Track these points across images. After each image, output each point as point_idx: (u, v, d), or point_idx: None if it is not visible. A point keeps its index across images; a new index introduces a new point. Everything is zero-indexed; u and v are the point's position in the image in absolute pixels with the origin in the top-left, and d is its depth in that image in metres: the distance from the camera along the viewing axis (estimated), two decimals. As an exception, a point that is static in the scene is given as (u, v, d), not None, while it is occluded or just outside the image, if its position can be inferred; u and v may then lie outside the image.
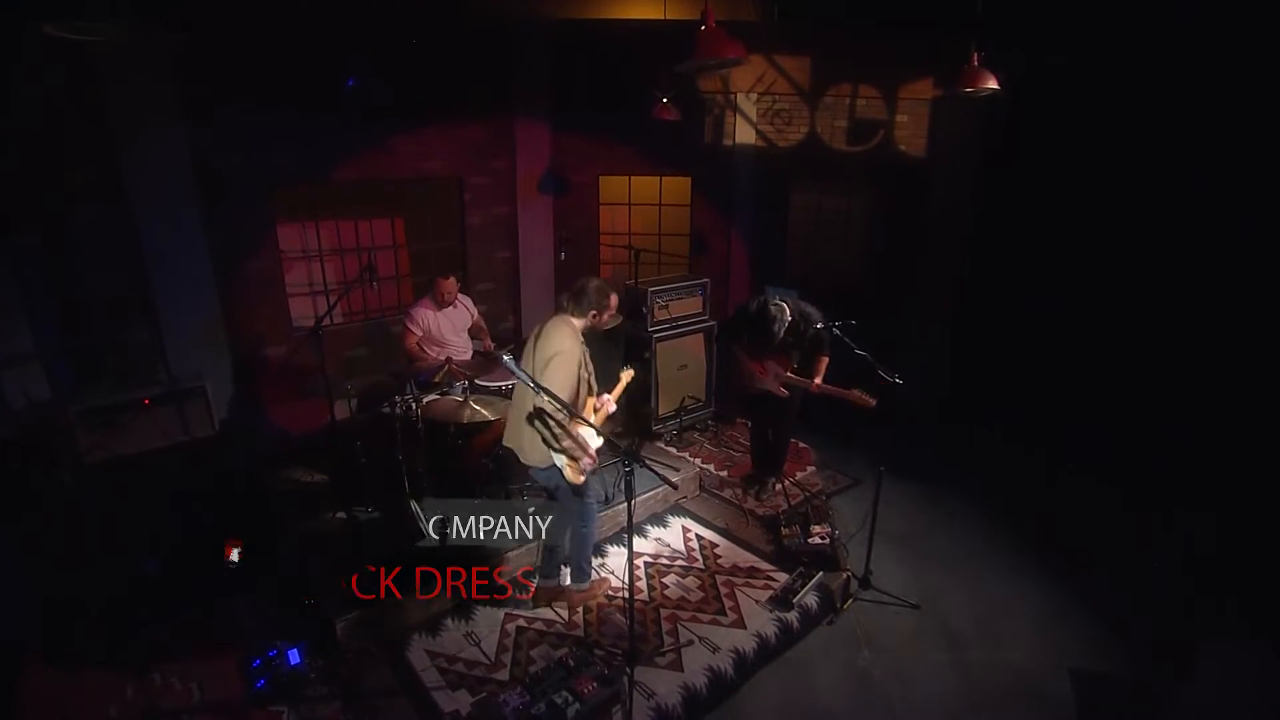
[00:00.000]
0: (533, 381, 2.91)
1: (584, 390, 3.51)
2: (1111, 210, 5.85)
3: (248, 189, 5.30)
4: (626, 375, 3.85)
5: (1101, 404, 5.97)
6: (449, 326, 5.04)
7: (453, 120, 6.19)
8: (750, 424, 5.36)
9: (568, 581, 3.95)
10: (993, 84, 3.65)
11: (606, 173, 7.12)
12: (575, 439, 3.37)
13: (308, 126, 5.37)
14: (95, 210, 4.64)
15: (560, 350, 3.33)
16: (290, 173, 5.47)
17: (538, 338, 3.48)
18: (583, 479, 3.48)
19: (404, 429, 4.13)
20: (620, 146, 6.93)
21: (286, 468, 5.13)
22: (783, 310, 4.33)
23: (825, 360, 4.51)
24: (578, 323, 3.47)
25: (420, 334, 4.87)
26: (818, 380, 4.45)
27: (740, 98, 6.80)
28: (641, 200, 7.28)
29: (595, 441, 3.45)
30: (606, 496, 4.67)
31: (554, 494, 3.69)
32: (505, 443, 3.62)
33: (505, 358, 2.75)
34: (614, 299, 3.52)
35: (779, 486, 5.09)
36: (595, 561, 4.33)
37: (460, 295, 5.13)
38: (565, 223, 7.03)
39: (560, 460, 3.40)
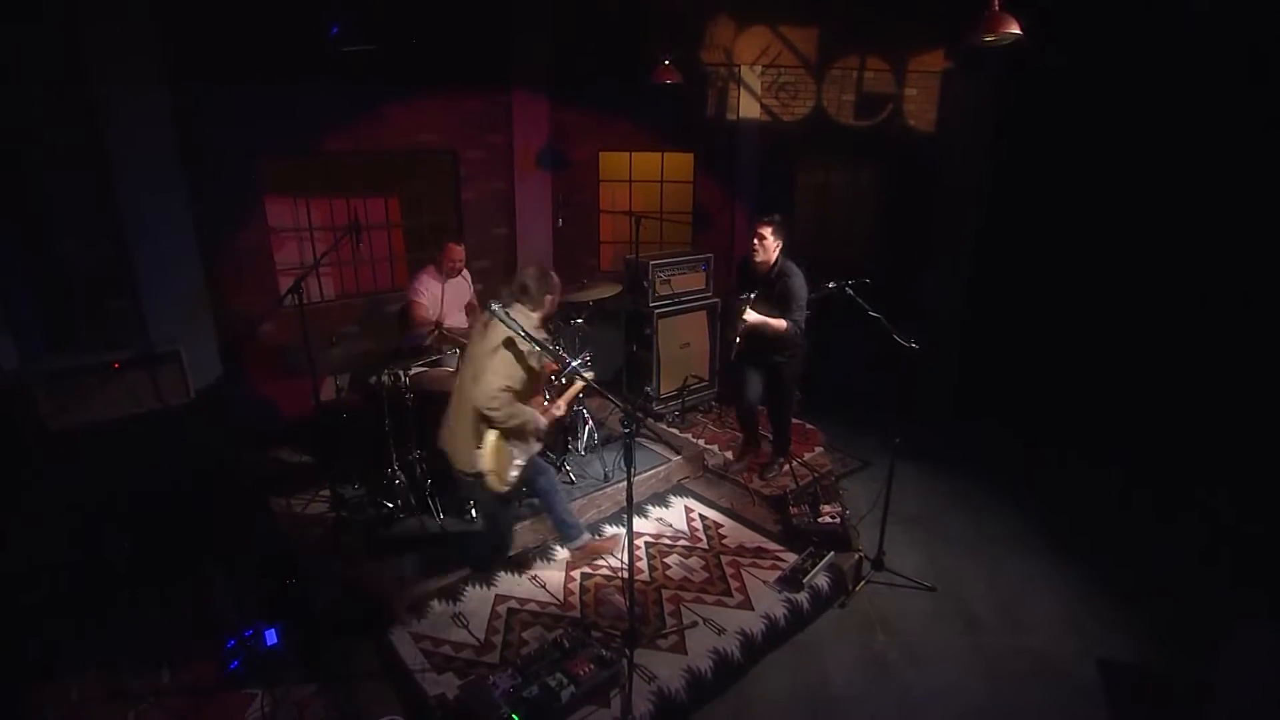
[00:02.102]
0: (523, 331, 2.68)
1: (529, 387, 3.37)
2: (1132, 189, 5.59)
3: (234, 157, 5.07)
4: (577, 386, 3.72)
5: (1115, 392, 5.74)
6: (450, 299, 4.77)
7: (447, 91, 5.96)
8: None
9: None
10: (1015, 29, 3.42)
11: (607, 148, 6.90)
12: (527, 425, 3.29)
13: (297, 92, 5.13)
14: (74, 176, 4.41)
15: (506, 341, 3.15)
16: (280, 140, 5.23)
17: (481, 334, 3.30)
18: (507, 489, 3.36)
19: (392, 399, 3.92)
20: (621, 121, 6.71)
21: (273, 447, 4.94)
22: (764, 241, 4.20)
23: (781, 324, 4.20)
24: (534, 316, 3.27)
25: (427, 303, 4.62)
26: (749, 315, 4.17)
27: (744, 70, 6.58)
28: (643, 177, 7.05)
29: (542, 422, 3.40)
30: (605, 475, 4.46)
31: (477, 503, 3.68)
32: (440, 444, 3.45)
33: (494, 306, 2.53)
34: (556, 280, 3.38)
35: (786, 467, 4.86)
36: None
37: None
38: (564, 198, 6.78)
39: (484, 461, 3.22)
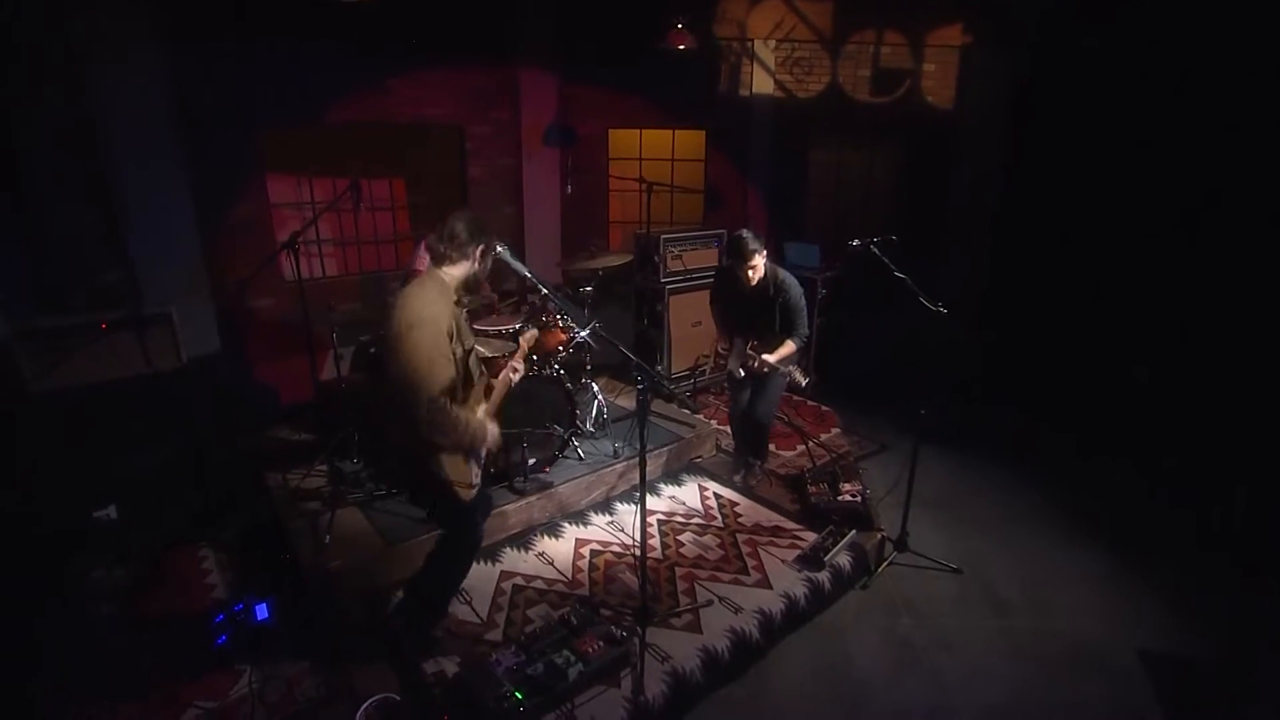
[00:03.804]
0: (534, 277, 2.49)
1: (461, 371, 2.56)
2: (1159, 163, 5.36)
3: (234, 126, 4.89)
4: (527, 338, 3.00)
5: (1137, 376, 5.51)
6: None
7: (453, 63, 5.78)
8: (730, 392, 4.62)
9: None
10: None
11: (616, 125, 6.72)
12: (470, 432, 2.55)
13: (299, 59, 4.97)
14: (62, 138, 4.25)
15: (417, 320, 2.40)
16: (281, 108, 5.05)
17: (395, 307, 2.53)
18: (470, 497, 2.69)
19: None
20: (631, 97, 6.53)
21: (270, 420, 4.79)
22: (756, 268, 3.73)
23: (791, 347, 3.83)
24: (456, 273, 2.57)
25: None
26: (767, 356, 3.76)
27: (758, 44, 6.40)
28: (653, 155, 6.87)
29: (492, 434, 2.70)
30: (615, 451, 4.27)
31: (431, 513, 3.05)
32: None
33: (499, 248, 2.35)
34: (490, 233, 2.64)
35: (765, 469, 4.50)
36: (602, 519, 3.95)
37: None
38: (573, 165, 6.55)
39: (445, 469, 2.58)
